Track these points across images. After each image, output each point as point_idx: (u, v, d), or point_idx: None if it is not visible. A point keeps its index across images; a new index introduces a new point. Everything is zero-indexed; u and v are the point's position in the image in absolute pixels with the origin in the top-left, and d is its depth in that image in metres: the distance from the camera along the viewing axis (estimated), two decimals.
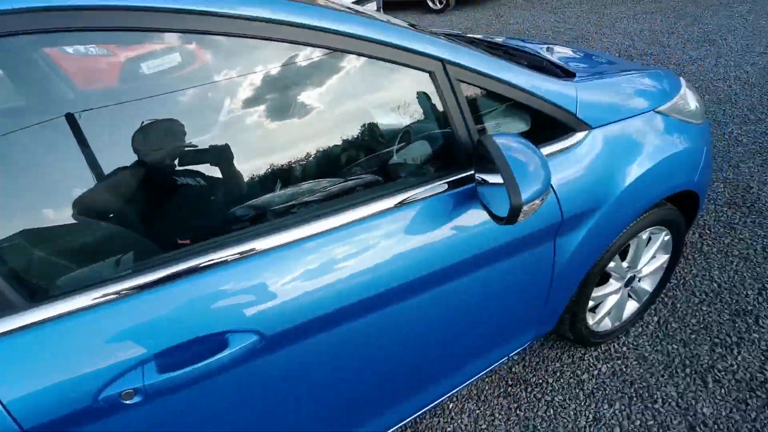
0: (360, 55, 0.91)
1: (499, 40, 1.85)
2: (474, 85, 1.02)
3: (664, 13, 5.58)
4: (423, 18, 7.41)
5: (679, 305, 1.85)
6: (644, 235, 1.50)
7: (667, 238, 1.60)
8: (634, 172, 1.28)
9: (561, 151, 1.16)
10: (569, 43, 5.06)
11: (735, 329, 1.71)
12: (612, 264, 1.48)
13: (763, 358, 1.60)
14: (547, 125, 1.16)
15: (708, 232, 2.19)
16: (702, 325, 1.75)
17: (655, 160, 1.31)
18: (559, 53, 1.74)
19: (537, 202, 0.85)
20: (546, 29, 5.77)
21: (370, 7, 6.79)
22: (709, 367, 1.61)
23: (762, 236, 2.11)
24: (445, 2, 7.43)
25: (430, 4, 7.61)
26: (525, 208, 0.82)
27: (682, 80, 1.60)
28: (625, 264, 1.56)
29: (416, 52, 0.94)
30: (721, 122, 3.07)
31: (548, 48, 1.76)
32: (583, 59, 1.71)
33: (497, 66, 1.04)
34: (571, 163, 1.17)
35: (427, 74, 0.96)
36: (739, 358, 1.62)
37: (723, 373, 1.58)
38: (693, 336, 1.72)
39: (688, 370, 1.61)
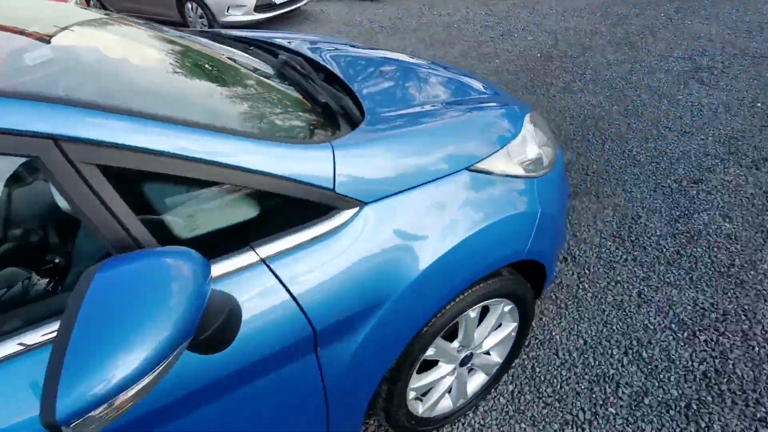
0: None
1: (332, 58, 1.52)
2: (123, 168, 0.68)
3: (592, 11, 5.42)
4: (353, 6, 6.97)
5: (538, 369, 1.63)
6: (472, 314, 1.24)
7: (508, 308, 1.35)
8: (433, 253, 1.00)
9: (310, 242, 0.86)
10: (493, 40, 4.82)
11: (591, 401, 1.51)
12: (431, 351, 1.22)
13: None
14: (289, 206, 0.84)
15: (587, 272, 1.99)
16: (557, 397, 1.53)
17: (462, 235, 1.04)
18: (393, 75, 1.44)
19: (96, 412, 0.51)
20: (475, 23, 5.50)
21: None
22: None
23: (640, 278, 1.93)
24: None
25: None
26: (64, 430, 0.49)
27: (527, 119, 1.33)
28: (455, 344, 1.30)
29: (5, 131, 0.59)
30: (624, 137, 2.90)
31: (382, 71, 1.44)
32: (418, 87, 1.41)
33: (166, 135, 0.70)
34: (325, 255, 0.87)
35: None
36: None
37: None
38: (545, 411, 1.50)
39: None
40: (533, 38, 4.78)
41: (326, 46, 1.75)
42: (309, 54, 1.50)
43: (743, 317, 1.71)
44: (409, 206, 0.98)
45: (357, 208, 0.91)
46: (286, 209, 0.84)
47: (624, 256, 2.04)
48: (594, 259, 2.05)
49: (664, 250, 2.05)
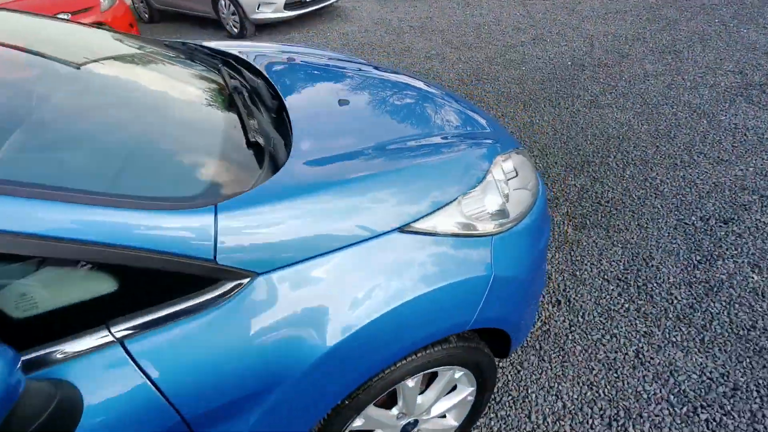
0: None
1: (294, 83, 1.40)
2: None
3: (637, 13, 5.00)
4: (386, 3, 6.80)
5: None
6: (411, 383, 1.10)
7: (461, 374, 1.20)
8: (345, 328, 0.87)
9: (182, 319, 0.75)
10: (524, 45, 4.53)
11: None
12: (359, 422, 1.09)
13: None
14: (160, 279, 0.74)
15: (580, 320, 1.79)
16: None
17: (385, 307, 0.90)
18: (356, 105, 1.30)
19: None
20: (508, 25, 5.21)
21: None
22: None
23: (641, 333, 1.70)
24: None
25: None
26: None
27: (497, 163, 1.16)
28: (393, 411, 1.16)
29: None
30: (650, 163, 2.62)
31: (341, 100, 1.31)
32: (376, 120, 1.27)
33: None
34: (199, 334, 0.76)
35: None
36: None
37: None
38: None
39: None
40: (567, 43, 4.45)
41: (302, 64, 1.63)
42: (271, 77, 1.39)
43: (755, 394, 1.47)
44: (319, 275, 0.85)
45: (247, 279, 0.79)
46: (156, 282, 0.74)
47: (626, 305, 1.82)
48: (591, 305, 1.84)
49: (675, 301, 1.80)
